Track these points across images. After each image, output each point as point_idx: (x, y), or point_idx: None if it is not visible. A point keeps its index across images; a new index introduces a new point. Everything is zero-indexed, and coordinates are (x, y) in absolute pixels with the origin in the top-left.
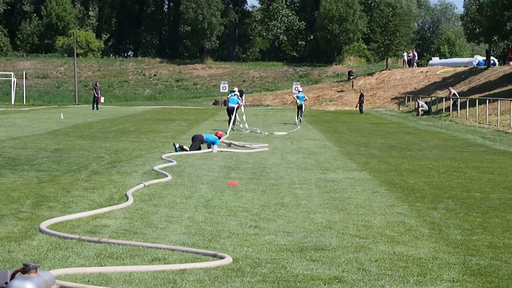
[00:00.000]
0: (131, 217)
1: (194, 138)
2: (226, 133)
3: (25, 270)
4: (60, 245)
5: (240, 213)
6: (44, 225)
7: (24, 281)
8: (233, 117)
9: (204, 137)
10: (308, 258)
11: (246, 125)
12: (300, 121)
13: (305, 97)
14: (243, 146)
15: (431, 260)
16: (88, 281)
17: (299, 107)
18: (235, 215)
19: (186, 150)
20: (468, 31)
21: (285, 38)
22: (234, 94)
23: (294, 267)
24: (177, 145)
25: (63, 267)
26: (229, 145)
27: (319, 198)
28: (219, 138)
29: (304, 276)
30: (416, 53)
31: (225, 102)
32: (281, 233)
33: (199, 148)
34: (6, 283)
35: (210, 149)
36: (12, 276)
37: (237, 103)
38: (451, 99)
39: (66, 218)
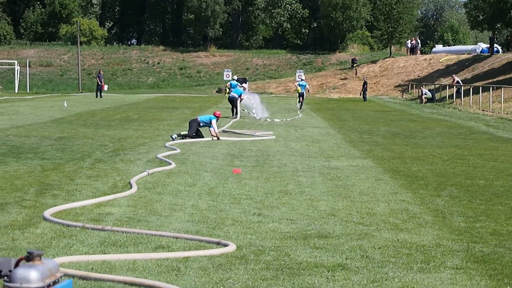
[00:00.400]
0: (134, 205)
1: (190, 123)
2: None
3: (29, 258)
4: (64, 233)
5: (244, 200)
6: (48, 213)
7: (28, 269)
8: (237, 108)
9: (199, 119)
10: (312, 246)
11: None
12: (300, 108)
13: (307, 86)
14: (250, 135)
15: (434, 247)
16: (92, 268)
17: (300, 95)
18: (239, 203)
19: (184, 137)
20: (472, 19)
21: (288, 26)
22: (240, 86)
23: (297, 255)
24: (174, 136)
25: (67, 255)
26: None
27: (322, 185)
28: (217, 117)
29: (308, 263)
30: (419, 41)
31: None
32: (284, 221)
33: (198, 132)
34: (10, 271)
35: (215, 137)
36: (16, 264)
37: (240, 95)
38: (454, 87)
39: (70, 206)
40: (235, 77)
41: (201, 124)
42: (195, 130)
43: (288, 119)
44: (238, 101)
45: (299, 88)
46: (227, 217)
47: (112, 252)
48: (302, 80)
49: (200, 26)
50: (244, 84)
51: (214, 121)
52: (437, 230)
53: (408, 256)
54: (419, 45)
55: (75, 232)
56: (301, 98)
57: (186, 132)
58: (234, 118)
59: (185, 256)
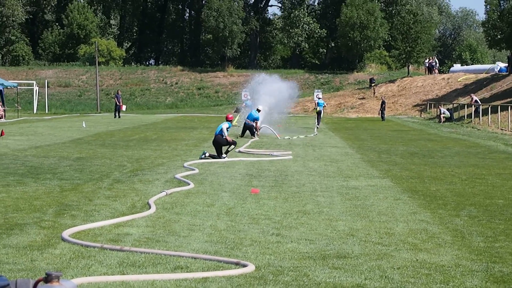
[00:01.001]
0: (153, 225)
1: (214, 144)
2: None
3: (48, 279)
4: (82, 253)
5: (262, 221)
6: (66, 233)
7: None
8: (254, 132)
9: (217, 134)
10: (331, 266)
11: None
12: (318, 125)
13: (324, 104)
14: (268, 155)
15: (454, 268)
16: None
17: (318, 113)
18: (257, 223)
19: (213, 157)
20: (490, 38)
21: (306, 45)
22: (258, 110)
23: (316, 275)
24: (206, 154)
25: (86, 276)
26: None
27: (341, 205)
28: (231, 121)
29: (327, 284)
30: (437, 60)
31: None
32: (303, 241)
33: (221, 147)
34: None
35: (232, 146)
36: (35, 286)
37: (255, 120)
38: (473, 106)
39: (88, 227)
40: (249, 97)
41: (222, 138)
42: (220, 149)
43: (306, 136)
44: (255, 126)
45: (317, 107)
46: (246, 237)
47: (130, 272)
48: (319, 98)
49: (218, 46)
50: (259, 106)
51: (224, 127)
52: (456, 250)
53: (427, 277)
54: (437, 65)
55: (93, 253)
56: (319, 116)
57: (215, 154)
58: (253, 138)
59: (204, 277)
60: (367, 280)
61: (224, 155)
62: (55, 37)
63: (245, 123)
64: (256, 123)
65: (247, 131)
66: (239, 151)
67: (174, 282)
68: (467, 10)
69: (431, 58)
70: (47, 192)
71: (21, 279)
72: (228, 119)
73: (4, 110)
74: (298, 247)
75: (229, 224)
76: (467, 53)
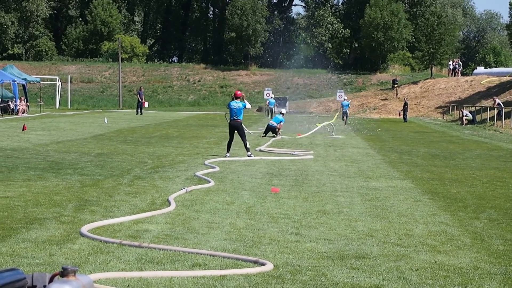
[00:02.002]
0: (172, 222)
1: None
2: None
3: (64, 273)
4: (101, 249)
5: (282, 220)
6: (85, 229)
7: (62, 284)
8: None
9: (234, 119)
10: (349, 266)
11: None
12: (345, 124)
13: (349, 104)
14: (290, 154)
15: (472, 270)
16: (128, 285)
17: (344, 114)
18: (277, 222)
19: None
20: None
21: (329, 45)
22: (281, 114)
23: (334, 275)
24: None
25: (104, 271)
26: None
27: (361, 206)
28: (242, 98)
29: (345, 284)
30: (461, 62)
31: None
32: (322, 241)
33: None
34: (44, 286)
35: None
36: (51, 280)
37: (279, 123)
38: (495, 109)
39: (107, 223)
40: (272, 95)
41: (237, 115)
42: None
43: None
44: (277, 129)
45: (343, 108)
46: (265, 236)
47: (148, 269)
48: (344, 99)
49: (241, 45)
50: (282, 110)
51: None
52: (475, 252)
53: (445, 279)
54: (461, 67)
55: (112, 249)
56: (345, 116)
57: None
58: (275, 136)
59: (222, 275)
60: (385, 281)
61: (248, 153)
62: (79, 33)
63: (269, 124)
64: (280, 125)
65: (270, 132)
66: (260, 150)
67: (192, 279)
68: (492, 12)
69: (455, 60)
70: (68, 187)
71: (38, 273)
72: (237, 96)
73: (27, 105)
74: (317, 247)
75: (248, 223)
76: (491, 55)
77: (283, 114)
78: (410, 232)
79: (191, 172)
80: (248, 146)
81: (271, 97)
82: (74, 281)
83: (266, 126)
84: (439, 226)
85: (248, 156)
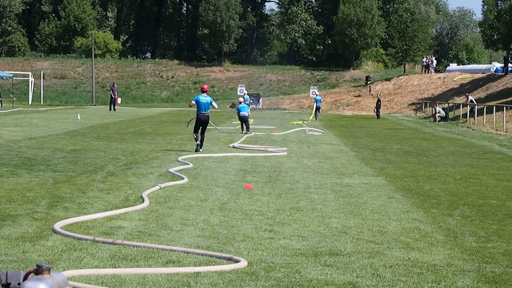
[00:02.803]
0: (146, 219)
1: (203, 124)
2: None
3: (38, 271)
4: (74, 246)
5: (255, 216)
6: (58, 225)
7: (37, 282)
8: (246, 124)
9: (203, 112)
10: (323, 263)
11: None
12: (316, 120)
13: (321, 99)
14: (263, 150)
15: (445, 267)
16: (102, 282)
17: (317, 109)
18: (250, 219)
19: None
20: (486, 38)
21: (303, 42)
22: (245, 103)
23: (308, 272)
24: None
25: (77, 268)
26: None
27: (334, 203)
28: (206, 91)
29: (318, 281)
30: (434, 59)
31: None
32: (296, 238)
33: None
34: (19, 283)
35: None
36: (25, 277)
37: (248, 111)
38: (468, 106)
39: (81, 219)
40: (245, 95)
41: (206, 109)
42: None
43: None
44: (248, 118)
45: (316, 104)
46: (238, 232)
47: (122, 266)
48: (317, 95)
49: (214, 41)
50: (240, 99)
51: (213, 103)
52: (448, 249)
53: (419, 276)
54: (433, 63)
55: (86, 245)
56: (317, 111)
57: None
58: (247, 134)
59: (196, 272)
60: (358, 278)
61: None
62: (52, 29)
63: (241, 116)
64: (249, 112)
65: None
66: (233, 146)
67: (165, 276)
68: (465, 9)
69: (428, 57)
70: (40, 184)
71: (12, 270)
72: (203, 90)
73: (0, 100)
74: (291, 244)
75: (222, 219)
76: (463, 52)
77: (241, 102)
78: (384, 229)
79: (164, 168)
80: (203, 142)
81: (245, 93)
82: (48, 278)
83: (239, 119)
84: (413, 223)
85: (198, 151)
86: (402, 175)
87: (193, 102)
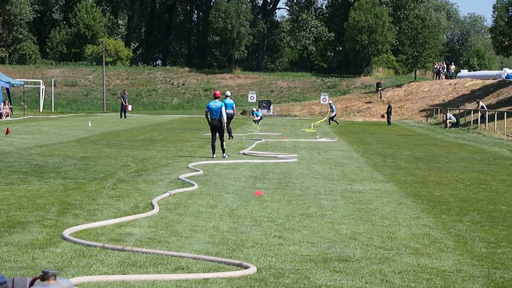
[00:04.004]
0: (155, 226)
1: (214, 129)
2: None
3: (44, 277)
4: (84, 252)
5: (265, 223)
6: (67, 232)
7: None
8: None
9: (216, 118)
10: (332, 269)
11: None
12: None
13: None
14: (274, 157)
15: (455, 273)
16: None
17: (332, 117)
18: (260, 225)
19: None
20: (497, 44)
21: (314, 48)
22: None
23: (317, 278)
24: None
25: (87, 275)
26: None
27: (344, 209)
28: (218, 97)
29: (327, 287)
30: (445, 65)
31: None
32: (305, 244)
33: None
34: None
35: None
36: (31, 283)
37: (232, 108)
38: (479, 112)
39: (89, 226)
40: (228, 93)
41: (217, 115)
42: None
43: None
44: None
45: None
46: (248, 239)
47: (131, 272)
48: (330, 102)
49: (225, 48)
50: (227, 92)
51: (223, 109)
52: (458, 255)
53: (428, 281)
54: (445, 70)
55: (95, 252)
56: (332, 118)
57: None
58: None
59: (205, 278)
60: (368, 284)
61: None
62: (63, 36)
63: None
64: (234, 108)
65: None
66: (244, 153)
67: (174, 283)
68: (475, 16)
69: (439, 63)
70: (51, 191)
71: (18, 277)
72: (216, 96)
73: (11, 108)
74: (300, 250)
75: (232, 226)
76: (474, 58)
77: (228, 96)
78: (393, 235)
79: (174, 175)
80: (224, 147)
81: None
82: (54, 284)
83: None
84: (422, 229)
85: (223, 156)
86: (412, 181)
87: (206, 109)
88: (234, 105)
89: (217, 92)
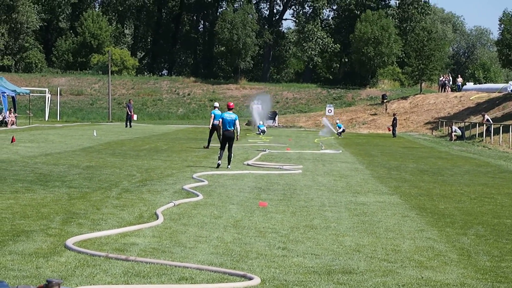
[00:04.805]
0: (160, 236)
1: (224, 139)
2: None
3: (48, 286)
4: (88, 262)
5: (269, 234)
6: (70, 241)
7: None
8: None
9: (228, 129)
10: (336, 281)
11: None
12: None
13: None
14: (278, 168)
15: (459, 286)
16: None
17: (339, 133)
18: (264, 236)
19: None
20: (503, 57)
21: (319, 60)
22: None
23: None
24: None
25: (90, 284)
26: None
27: (348, 221)
28: (232, 108)
29: None
30: (451, 78)
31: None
32: (309, 255)
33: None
34: None
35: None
36: None
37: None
38: (484, 125)
39: (94, 235)
40: (217, 104)
41: (230, 126)
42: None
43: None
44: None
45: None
46: (252, 250)
47: (135, 282)
48: (337, 121)
49: (231, 58)
50: (216, 104)
51: (237, 122)
52: (462, 268)
53: None
54: (450, 82)
55: (99, 262)
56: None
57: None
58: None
59: None
60: None
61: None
62: (69, 45)
63: (213, 124)
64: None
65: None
66: (248, 164)
67: None
68: (482, 28)
69: (444, 75)
70: (55, 200)
71: (22, 285)
72: (229, 108)
73: (16, 116)
74: (304, 262)
75: (236, 237)
76: (480, 71)
77: (216, 107)
78: (397, 248)
79: (179, 185)
80: (231, 159)
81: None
82: None
83: (211, 128)
84: (427, 242)
85: (228, 168)
86: (417, 193)
87: (219, 119)
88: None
89: (230, 104)
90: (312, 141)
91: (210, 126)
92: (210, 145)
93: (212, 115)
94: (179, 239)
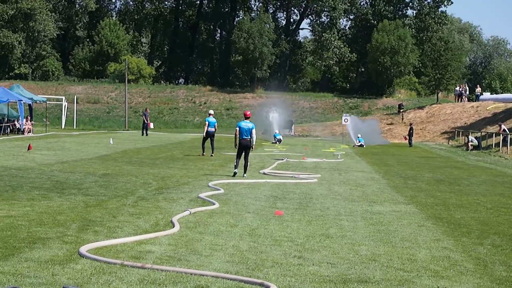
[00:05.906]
0: (175, 244)
1: (241, 148)
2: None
3: None
4: (103, 269)
5: (285, 243)
6: (84, 248)
7: None
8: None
9: (244, 138)
10: None
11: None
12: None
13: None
14: (293, 177)
15: None
16: None
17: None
18: (280, 245)
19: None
20: None
21: (336, 69)
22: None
23: None
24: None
25: None
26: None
27: (364, 230)
28: (249, 117)
29: None
30: (467, 88)
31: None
32: (325, 264)
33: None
34: None
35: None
36: None
37: (215, 125)
38: (501, 135)
39: (109, 243)
40: (211, 111)
41: (247, 135)
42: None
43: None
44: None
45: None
46: (267, 258)
47: None
48: (359, 136)
49: (247, 67)
50: (211, 111)
51: (254, 131)
52: (478, 278)
53: None
54: (467, 92)
55: (115, 269)
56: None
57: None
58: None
59: None
60: None
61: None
62: (86, 54)
63: (208, 131)
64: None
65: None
66: (264, 173)
67: None
68: (499, 38)
69: (461, 85)
70: (71, 207)
71: None
72: (247, 116)
73: (33, 124)
74: (320, 270)
75: (252, 245)
76: (497, 81)
77: (211, 114)
78: (413, 257)
79: (195, 193)
80: (248, 167)
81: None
82: None
83: (205, 133)
84: (442, 252)
85: (243, 176)
86: (433, 203)
87: (237, 128)
88: (216, 124)
89: (247, 113)
90: (326, 149)
91: (204, 133)
92: (205, 151)
93: (207, 122)
94: (195, 247)
